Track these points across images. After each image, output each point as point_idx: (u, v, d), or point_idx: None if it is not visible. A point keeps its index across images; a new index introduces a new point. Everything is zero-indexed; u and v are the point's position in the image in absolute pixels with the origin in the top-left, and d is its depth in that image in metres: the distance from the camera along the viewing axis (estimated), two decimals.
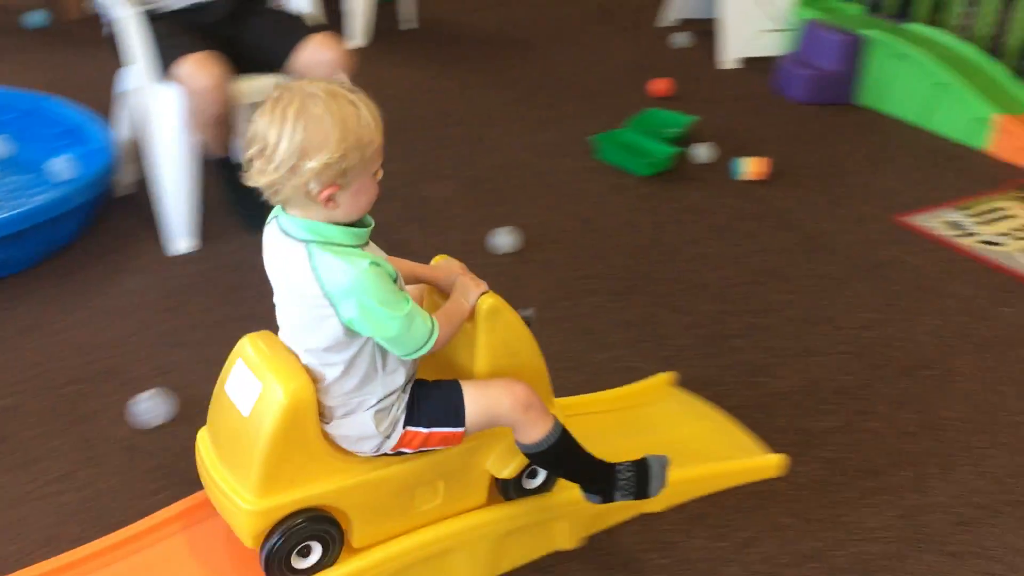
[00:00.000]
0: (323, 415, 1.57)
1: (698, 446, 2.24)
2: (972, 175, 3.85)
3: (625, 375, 2.45)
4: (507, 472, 1.75)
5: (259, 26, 3.03)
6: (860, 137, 4.17)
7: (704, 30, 5.34)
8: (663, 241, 3.22)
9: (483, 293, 1.64)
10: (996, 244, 3.32)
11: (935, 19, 5.23)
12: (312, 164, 1.39)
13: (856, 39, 4.43)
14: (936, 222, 3.46)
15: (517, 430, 1.66)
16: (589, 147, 3.87)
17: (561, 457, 1.71)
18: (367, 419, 1.58)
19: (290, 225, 1.49)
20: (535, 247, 3.12)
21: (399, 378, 1.60)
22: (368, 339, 1.52)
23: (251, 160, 1.43)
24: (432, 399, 1.63)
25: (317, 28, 3.00)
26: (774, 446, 2.23)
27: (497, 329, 1.66)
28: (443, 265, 1.73)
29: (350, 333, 1.51)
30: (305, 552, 1.61)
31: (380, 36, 5.14)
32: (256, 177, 1.43)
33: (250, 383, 1.56)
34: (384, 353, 1.56)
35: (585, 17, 5.76)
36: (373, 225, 1.54)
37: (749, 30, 4.92)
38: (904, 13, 5.36)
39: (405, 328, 1.49)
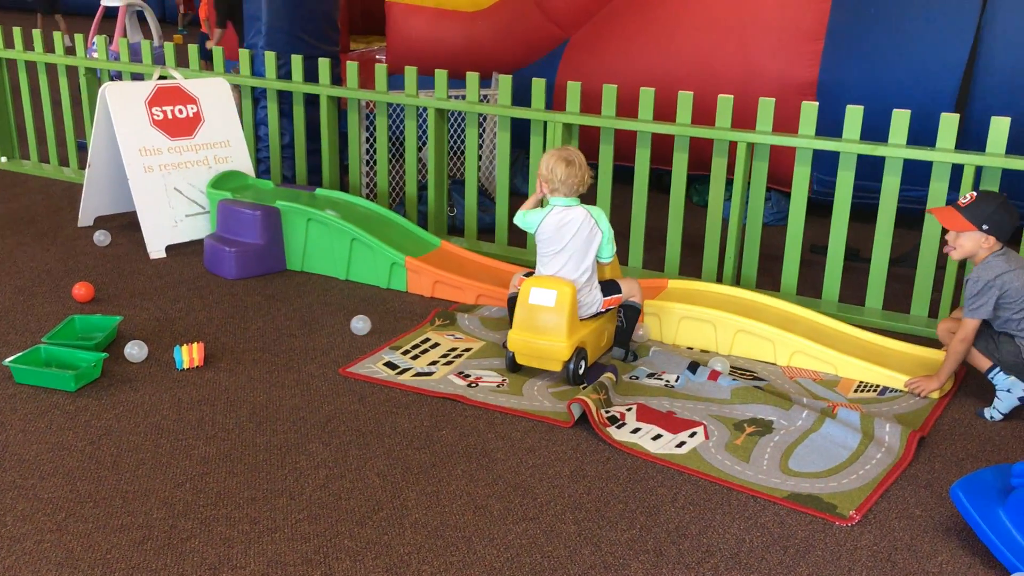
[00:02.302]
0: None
1: None
2: (398, 315, 4.22)
3: None
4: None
5: None
6: (295, 301, 4.35)
7: (127, 223, 5.23)
8: (100, 456, 2.97)
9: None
10: (429, 374, 3.64)
11: (343, 183, 5.76)
12: (582, 176, 3.64)
13: (271, 211, 4.66)
14: (376, 366, 3.70)
15: (634, 296, 3.77)
16: (5, 373, 3.49)
17: (636, 315, 3.79)
18: (597, 293, 3.66)
19: (568, 203, 3.64)
20: None
21: (597, 277, 3.69)
22: (595, 254, 3.65)
23: (550, 183, 3.62)
24: (608, 286, 3.71)
25: None
26: None
27: (614, 261, 3.84)
28: None
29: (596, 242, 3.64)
30: (580, 367, 3.56)
31: None
32: (557, 190, 3.63)
33: (548, 293, 3.52)
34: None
35: None
36: None
37: (168, 218, 4.92)
38: (316, 181, 5.82)
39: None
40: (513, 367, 3.65)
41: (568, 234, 3.60)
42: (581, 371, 3.56)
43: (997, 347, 3.37)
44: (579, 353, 3.54)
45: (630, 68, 5.83)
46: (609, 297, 3.70)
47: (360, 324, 3.99)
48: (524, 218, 3.76)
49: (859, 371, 3.63)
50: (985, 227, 3.34)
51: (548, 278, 3.57)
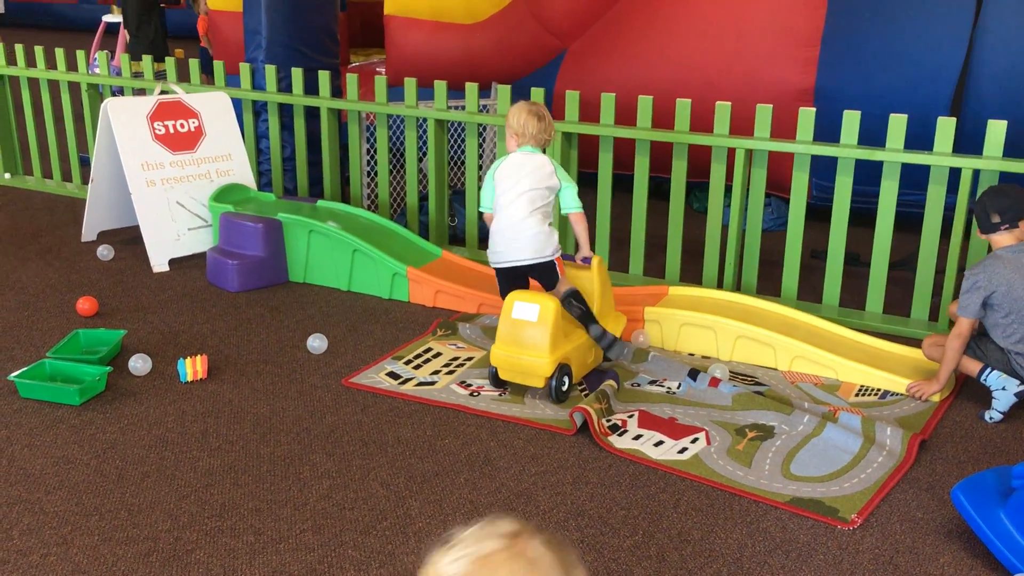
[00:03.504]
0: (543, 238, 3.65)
1: None
2: (401, 325, 4.23)
3: None
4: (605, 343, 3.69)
5: None
6: (298, 312, 4.37)
7: (131, 237, 5.26)
8: (105, 469, 2.99)
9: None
10: (431, 383, 3.66)
11: (344, 195, 5.79)
12: (550, 131, 3.74)
13: (273, 223, 4.69)
14: (378, 376, 3.72)
15: (565, 287, 3.70)
16: (11, 388, 3.52)
17: (578, 294, 3.69)
18: (555, 238, 3.67)
19: (531, 151, 3.68)
20: None
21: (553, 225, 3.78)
22: (552, 200, 3.72)
23: (522, 136, 3.70)
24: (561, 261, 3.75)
25: None
26: None
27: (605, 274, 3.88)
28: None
29: (553, 192, 3.70)
30: (563, 383, 3.47)
31: None
32: (527, 143, 3.70)
33: (530, 307, 3.44)
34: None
35: None
36: None
37: (171, 232, 4.95)
38: (317, 193, 5.84)
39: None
40: (496, 382, 3.59)
41: (525, 173, 3.62)
42: (565, 388, 3.47)
43: (985, 354, 3.39)
44: (562, 369, 3.46)
45: (628, 77, 5.86)
46: (559, 259, 3.67)
47: (317, 343, 3.92)
48: (484, 188, 3.76)
49: (860, 375, 3.64)
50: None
51: (532, 293, 3.52)
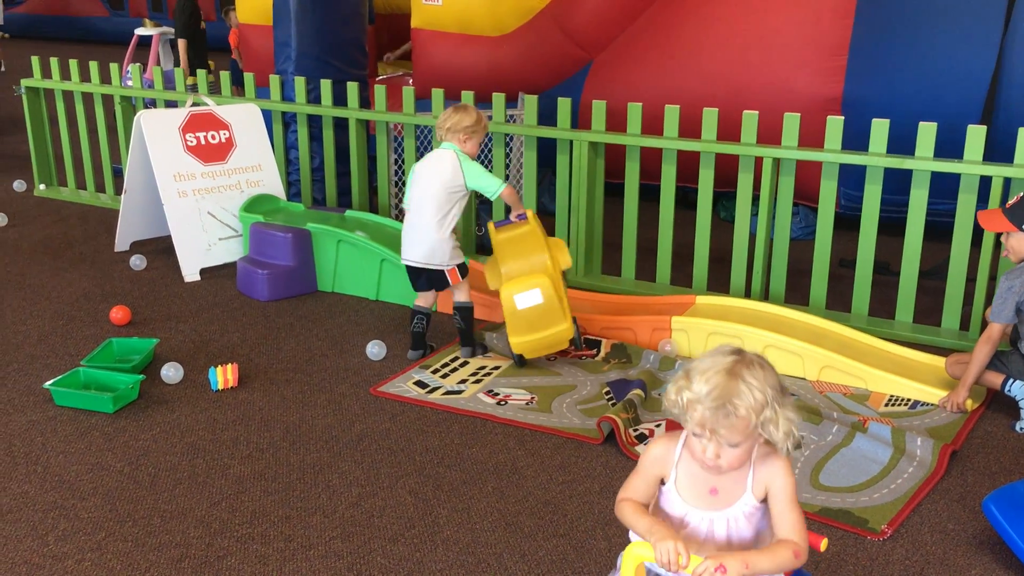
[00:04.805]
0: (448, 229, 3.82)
1: None
2: (428, 335, 4.23)
3: None
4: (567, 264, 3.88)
5: None
6: (327, 322, 4.41)
7: (163, 247, 5.33)
8: (138, 476, 3.04)
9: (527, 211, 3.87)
10: (459, 392, 3.68)
11: (372, 204, 5.83)
12: (458, 121, 3.76)
13: (302, 233, 4.74)
14: (406, 385, 3.74)
15: (463, 297, 3.95)
16: (46, 396, 3.58)
17: (470, 313, 3.94)
18: (451, 249, 3.80)
19: (444, 148, 3.79)
20: None
21: (456, 235, 3.89)
22: (460, 201, 3.83)
23: (439, 129, 3.81)
24: (462, 268, 3.89)
25: None
26: None
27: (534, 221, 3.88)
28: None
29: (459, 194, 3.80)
30: (582, 330, 3.99)
31: None
32: (442, 137, 3.79)
33: (531, 293, 3.59)
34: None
35: (30, 254, 5.42)
36: None
37: (203, 242, 5.01)
38: (345, 204, 5.89)
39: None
40: (523, 363, 3.87)
41: (430, 175, 3.77)
42: (584, 332, 3.84)
43: (1007, 366, 3.36)
44: (574, 321, 3.78)
45: (655, 87, 5.87)
46: (454, 269, 3.84)
47: (376, 349, 3.99)
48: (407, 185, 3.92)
49: (889, 385, 3.62)
50: None
51: (519, 280, 3.65)
